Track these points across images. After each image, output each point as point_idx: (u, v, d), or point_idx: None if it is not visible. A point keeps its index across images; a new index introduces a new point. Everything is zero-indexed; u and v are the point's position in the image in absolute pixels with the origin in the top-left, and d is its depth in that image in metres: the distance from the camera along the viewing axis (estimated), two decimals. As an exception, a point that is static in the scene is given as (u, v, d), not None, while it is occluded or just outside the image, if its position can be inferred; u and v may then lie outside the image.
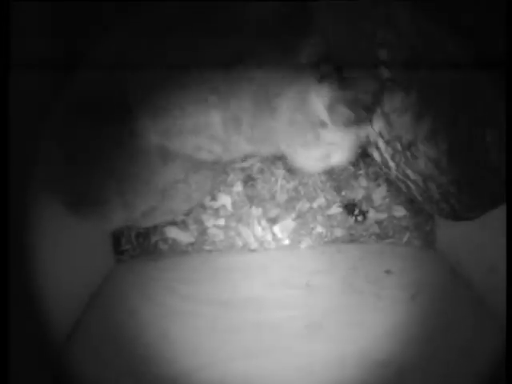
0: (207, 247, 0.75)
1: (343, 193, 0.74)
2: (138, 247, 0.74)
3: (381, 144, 0.48)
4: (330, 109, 0.45)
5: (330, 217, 0.74)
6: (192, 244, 0.74)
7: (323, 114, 0.45)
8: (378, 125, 0.47)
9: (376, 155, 0.50)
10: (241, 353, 0.51)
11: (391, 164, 0.49)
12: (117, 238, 0.73)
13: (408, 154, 0.46)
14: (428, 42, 0.46)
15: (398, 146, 0.47)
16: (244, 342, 0.53)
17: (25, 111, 0.45)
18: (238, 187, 0.74)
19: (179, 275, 0.68)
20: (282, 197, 0.74)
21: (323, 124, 0.46)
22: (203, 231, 0.74)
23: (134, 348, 0.52)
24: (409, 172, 0.48)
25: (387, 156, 0.49)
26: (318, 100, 0.45)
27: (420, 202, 0.52)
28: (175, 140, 0.51)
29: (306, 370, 0.48)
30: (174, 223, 0.74)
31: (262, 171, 0.74)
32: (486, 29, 0.46)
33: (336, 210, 0.74)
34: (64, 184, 0.51)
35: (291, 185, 0.74)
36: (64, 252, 0.55)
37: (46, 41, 0.50)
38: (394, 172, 0.50)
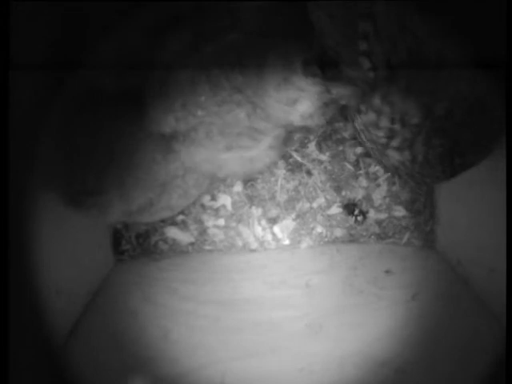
0: (207, 247, 0.75)
1: (343, 193, 0.74)
2: (138, 247, 0.74)
3: (362, 137, 0.53)
4: (304, 61, 0.50)
5: (329, 217, 0.74)
6: (192, 244, 0.74)
7: (297, 65, 0.51)
8: (360, 122, 0.52)
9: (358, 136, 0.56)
10: (241, 353, 0.51)
11: (367, 147, 0.56)
12: (117, 238, 0.73)
13: (382, 153, 0.51)
14: (426, 44, 0.46)
15: (374, 146, 0.52)
16: (244, 342, 0.53)
17: (25, 111, 0.44)
18: (238, 187, 0.74)
19: (179, 275, 0.68)
20: (282, 197, 0.74)
21: (294, 70, 0.51)
22: (203, 231, 0.74)
23: (134, 348, 0.52)
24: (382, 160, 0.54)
25: (366, 146, 0.56)
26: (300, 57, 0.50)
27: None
28: (203, 145, 0.53)
29: (306, 370, 0.48)
30: (174, 223, 0.74)
31: (261, 171, 0.74)
32: (485, 29, 0.46)
33: (336, 210, 0.74)
34: (63, 175, 0.51)
35: (291, 185, 0.74)
36: (64, 252, 0.55)
37: (46, 41, 0.50)
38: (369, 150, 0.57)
